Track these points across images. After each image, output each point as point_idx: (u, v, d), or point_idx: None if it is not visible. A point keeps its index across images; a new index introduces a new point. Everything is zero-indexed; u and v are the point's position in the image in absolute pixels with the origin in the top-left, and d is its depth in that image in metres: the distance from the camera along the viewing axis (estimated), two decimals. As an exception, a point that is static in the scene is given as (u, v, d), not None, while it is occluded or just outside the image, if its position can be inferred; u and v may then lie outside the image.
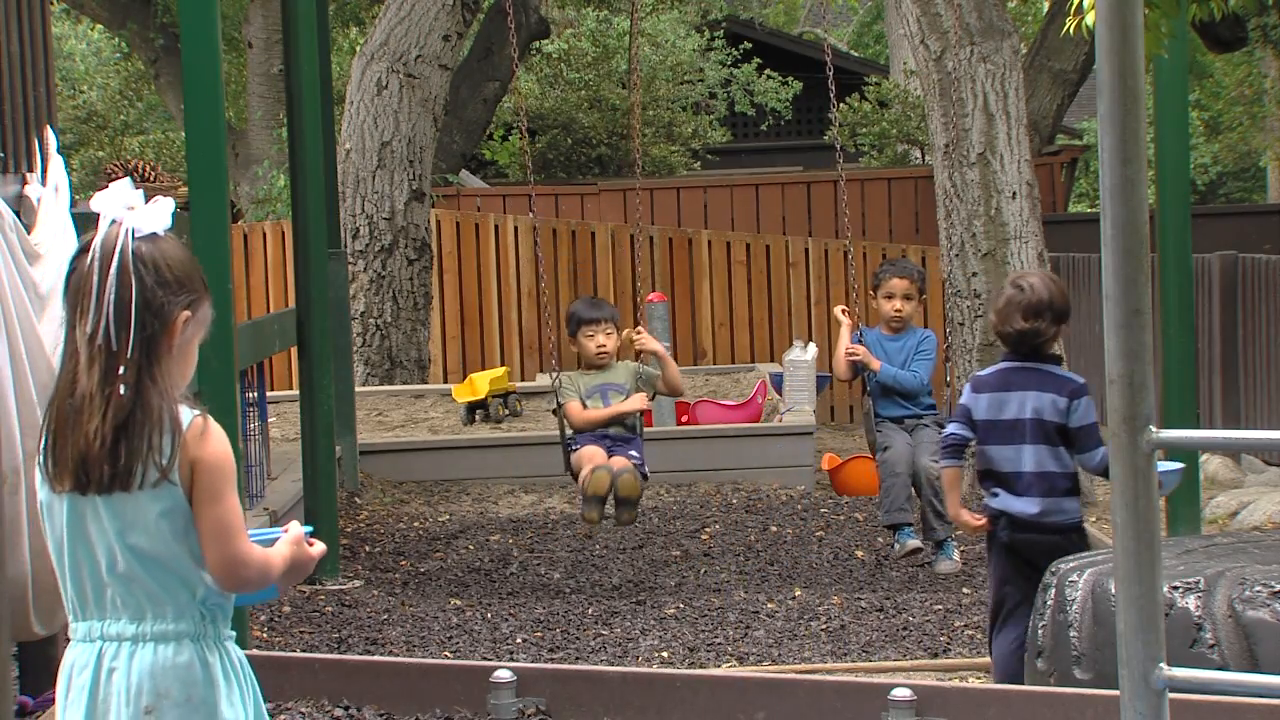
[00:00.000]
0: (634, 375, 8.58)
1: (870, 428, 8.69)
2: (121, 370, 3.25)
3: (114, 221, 3.30)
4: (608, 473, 8.22)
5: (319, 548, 3.49)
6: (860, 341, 8.64)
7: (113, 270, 3.26)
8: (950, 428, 6.55)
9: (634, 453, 8.44)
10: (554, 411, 8.68)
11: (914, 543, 8.48)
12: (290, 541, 3.42)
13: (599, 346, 8.57)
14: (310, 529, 3.53)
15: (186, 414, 3.31)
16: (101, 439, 3.25)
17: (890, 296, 8.68)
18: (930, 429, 8.52)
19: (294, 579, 3.45)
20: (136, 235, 3.29)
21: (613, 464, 8.27)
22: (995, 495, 6.33)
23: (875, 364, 8.57)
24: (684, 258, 17.74)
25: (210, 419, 3.33)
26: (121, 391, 3.25)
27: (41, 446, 3.35)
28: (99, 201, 3.32)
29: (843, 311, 8.77)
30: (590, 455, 8.35)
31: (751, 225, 18.65)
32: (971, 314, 12.02)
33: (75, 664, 3.35)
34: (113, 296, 3.25)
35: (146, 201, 3.32)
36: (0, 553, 5.23)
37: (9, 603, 5.33)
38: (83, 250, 3.32)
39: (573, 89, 22.98)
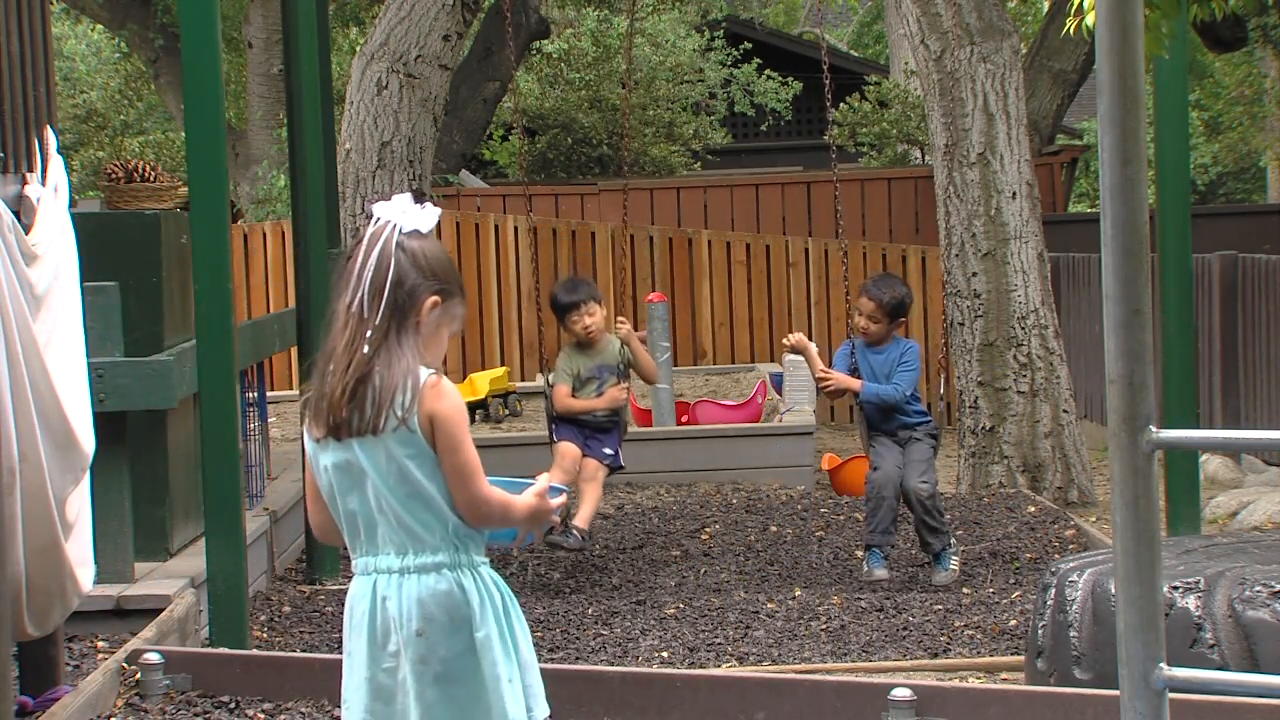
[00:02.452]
0: (620, 354, 8.99)
1: (865, 439, 8.79)
2: (369, 334, 3.77)
3: (386, 220, 3.84)
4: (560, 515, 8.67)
5: (559, 500, 3.97)
6: (851, 352, 8.74)
7: (375, 252, 3.80)
8: None
9: (607, 450, 8.93)
10: (546, 385, 9.22)
11: (882, 573, 8.51)
12: (535, 493, 3.90)
13: (585, 328, 8.95)
14: (561, 489, 4.00)
15: (424, 372, 3.79)
16: (343, 388, 3.76)
17: (859, 312, 8.75)
18: (923, 443, 8.61)
19: (534, 527, 3.94)
20: (402, 231, 3.83)
21: (583, 468, 8.86)
22: None
23: (855, 385, 8.65)
24: (684, 258, 17.73)
25: (444, 378, 3.82)
26: (365, 350, 3.76)
27: (306, 404, 3.87)
28: (380, 207, 3.87)
29: (790, 339, 8.92)
30: (563, 453, 8.89)
31: (751, 225, 18.64)
32: (971, 314, 12.01)
33: (355, 594, 3.90)
34: (371, 273, 3.79)
35: (422, 209, 3.86)
36: (1, 552, 5.23)
37: (8, 602, 5.32)
38: (357, 241, 3.87)
39: (573, 89, 22.98)
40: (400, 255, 3.80)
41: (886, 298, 8.74)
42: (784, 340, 9.02)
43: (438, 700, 3.81)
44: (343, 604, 8.13)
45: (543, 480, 3.96)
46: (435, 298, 3.82)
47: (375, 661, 3.84)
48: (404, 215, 3.84)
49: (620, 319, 9.18)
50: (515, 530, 3.93)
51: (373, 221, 3.86)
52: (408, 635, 3.80)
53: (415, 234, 3.83)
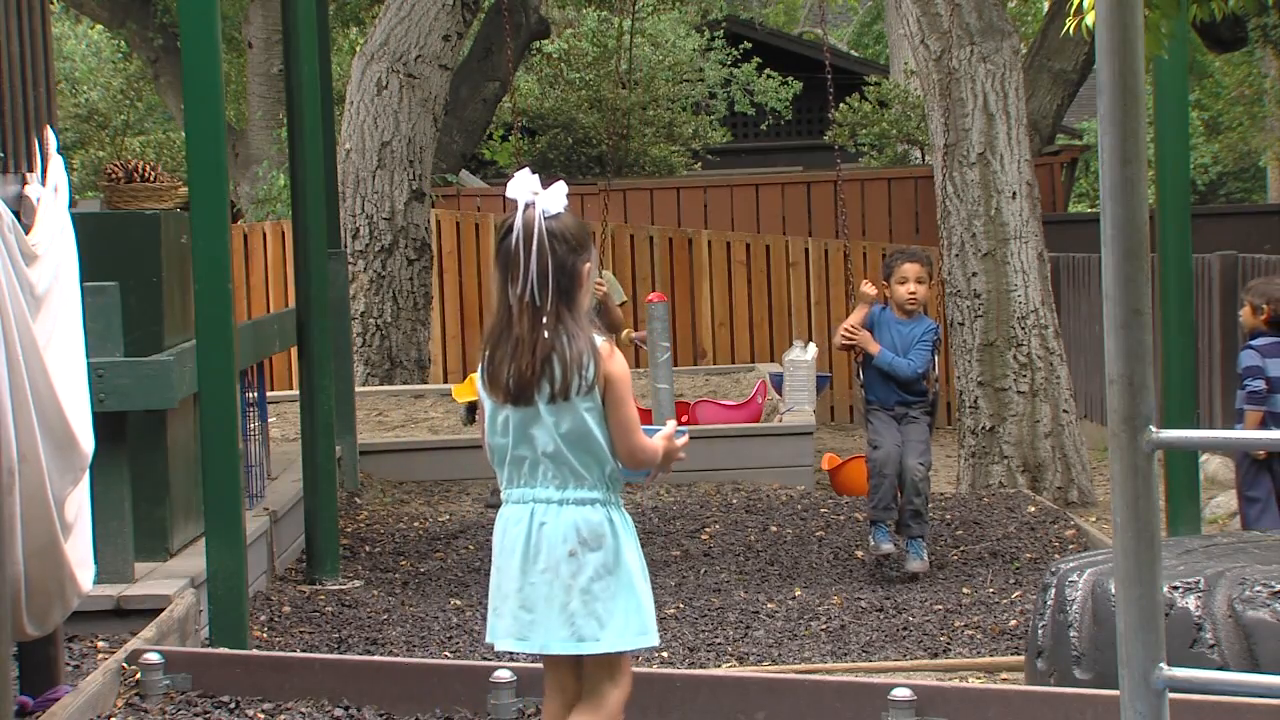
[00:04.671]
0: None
1: (864, 412, 9.02)
2: (544, 320, 4.40)
3: (527, 205, 4.41)
4: None
5: (684, 440, 4.67)
6: (874, 321, 8.88)
7: (534, 246, 4.39)
8: (1254, 384, 9.05)
9: None
10: None
11: (888, 546, 8.76)
12: (663, 437, 4.61)
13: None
14: (684, 430, 4.70)
15: (598, 339, 4.47)
16: (532, 370, 4.41)
17: (904, 281, 8.90)
18: (919, 423, 8.85)
19: (666, 466, 4.64)
20: (546, 216, 4.40)
21: None
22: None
23: (874, 347, 8.83)
24: (684, 258, 17.73)
25: (612, 343, 4.51)
26: (545, 335, 4.40)
27: (482, 372, 4.54)
28: (512, 189, 4.43)
29: (867, 285, 9.04)
30: None
31: (751, 225, 18.64)
32: (971, 314, 12.01)
33: (510, 519, 4.53)
34: (535, 266, 4.39)
35: (545, 188, 4.44)
36: (0, 552, 5.22)
37: (8, 602, 5.32)
38: (508, 229, 4.44)
39: (573, 89, 22.97)
40: (554, 243, 4.40)
41: (925, 257, 9.05)
42: (864, 288, 9.02)
43: (580, 612, 4.44)
44: (343, 604, 8.18)
45: (671, 425, 4.68)
46: (588, 265, 4.47)
47: (525, 575, 4.47)
48: (540, 198, 4.41)
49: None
50: (648, 470, 4.62)
51: (519, 209, 4.42)
52: (562, 554, 4.43)
53: (556, 216, 4.43)
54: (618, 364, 4.48)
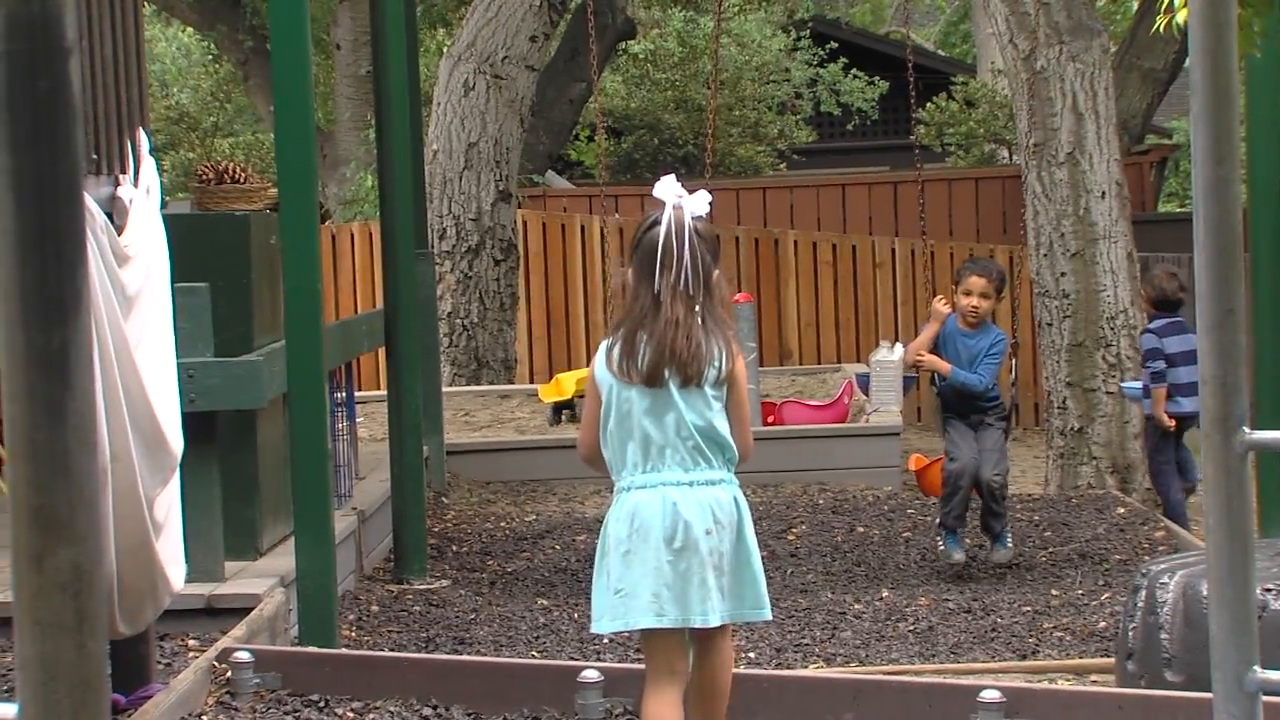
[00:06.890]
0: None
1: (939, 421, 9.13)
2: (697, 309, 4.77)
3: (675, 206, 4.80)
4: None
5: None
6: (943, 334, 8.94)
7: (685, 240, 4.77)
8: (1155, 365, 10.48)
9: None
10: None
11: (960, 555, 8.85)
12: None
13: None
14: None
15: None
16: (687, 351, 4.75)
17: (968, 293, 8.93)
18: (995, 430, 8.90)
19: None
20: (694, 216, 4.81)
21: None
22: (1179, 403, 10.42)
23: (945, 368, 8.89)
24: (770, 258, 17.71)
25: (739, 344, 4.96)
26: (699, 322, 4.77)
27: (614, 355, 4.84)
28: (660, 190, 4.84)
29: (941, 302, 9.08)
30: None
31: (838, 225, 18.60)
32: (1060, 314, 11.94)
33: (639, 503, 4.80)
34: (688, 259, 4.77)
35: (690, 194, 4.86)
36: (99, 546, 5.27)
37: (105, 596, 5.37)
38: (653, 223, 4.84)
39: (659, 89, 22.99)
40: (700, 241, 4.81)
41: (995, 271, 9.06)
42: (937, 304, 9.07)
43: (716, 586, 4.74)
44: (430, 604, 8.21)
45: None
46: (719, 270, 4.85)
47: (661, 555, 4.73)
48: (687, 201, 4.81)
49: None
50: None
51: (668, 207, 4.80)
52: (700, 532, 4.73)
53: (700, 218, 4.83)
54: (742, 364, 4.89)
